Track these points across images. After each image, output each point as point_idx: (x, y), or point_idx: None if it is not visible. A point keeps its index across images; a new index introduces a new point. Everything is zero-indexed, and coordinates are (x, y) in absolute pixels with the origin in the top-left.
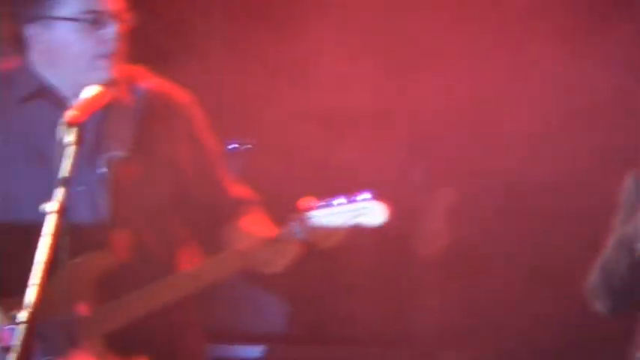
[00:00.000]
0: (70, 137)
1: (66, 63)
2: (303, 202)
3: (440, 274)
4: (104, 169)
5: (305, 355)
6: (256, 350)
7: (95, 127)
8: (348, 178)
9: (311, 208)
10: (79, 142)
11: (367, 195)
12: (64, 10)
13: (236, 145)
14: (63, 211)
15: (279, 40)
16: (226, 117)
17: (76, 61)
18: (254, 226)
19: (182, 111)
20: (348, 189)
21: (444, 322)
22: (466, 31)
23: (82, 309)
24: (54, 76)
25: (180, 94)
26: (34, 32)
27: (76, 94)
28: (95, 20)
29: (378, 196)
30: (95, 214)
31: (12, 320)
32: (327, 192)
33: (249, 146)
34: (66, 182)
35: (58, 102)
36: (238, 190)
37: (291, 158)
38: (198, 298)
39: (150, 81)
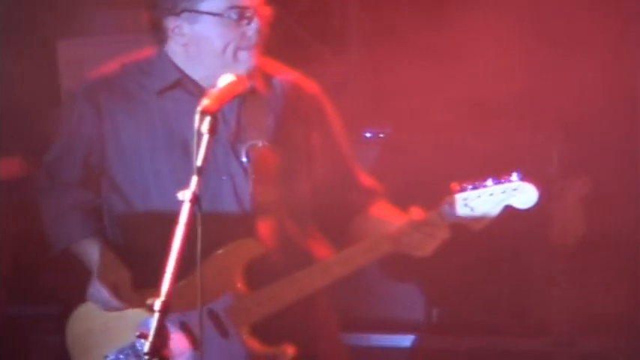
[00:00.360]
0: (204, 126)
1: (207, 56)
2: (454, 184)
3: (576, 262)
4: (246, 158)
5: (451, 344)
6: (405, 339)
7: (235, 117)
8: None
9: (462, 190)
10: (214, 131)
11: (516, 176)
12: (209, 5)
13: (372, 134)
14: (197, 200)
15: (422, 27)
16: (365, 105)
17: (218, 55)
18: (386, 214)
19: (314, 101)
20: (486, 176)
21: (583, 311)
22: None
23: (230, 297)
24: (193, 68)
25: (310, 85)
26: (175, 24)
27: (215, 86)
28: (239, 16)
29: (526, 177)
30: (239, 203)
31: (147, 308)
32: (467, 178)
33: (383, 135)
34: (200, 171)
35: (196, 93)
36: (366, 179)
37: (434, 145)
38: (347, 287)
39: (282, 72)
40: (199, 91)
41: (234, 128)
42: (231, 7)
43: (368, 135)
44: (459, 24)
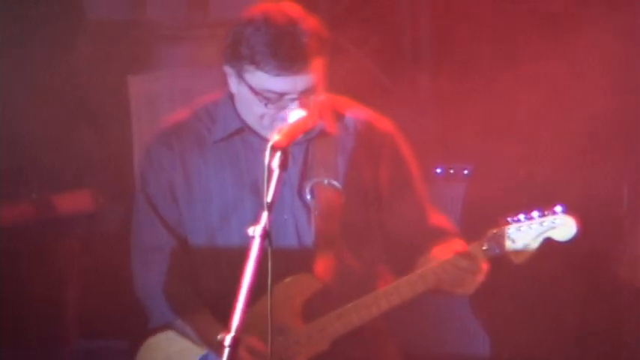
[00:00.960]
0: (274, 161)
1: (250, 114)
2: (501, 218)
3: None
4: (310, 196)
5: None
6: None
7: (303, 156)
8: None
9: (504, 224)
10: (284, 166)
11: (559, 208)
12: (249, 77)
13: (442, 170)
14: (267, 236)
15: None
16: (435, 140)
17: (258, 120)
18: (446, 254)
19: (387, 140)
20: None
21: None
22: None
23: (285, 331)
24: (249, 116)
25: (384, 123)
26: (229, 72)
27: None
28: (275, 100)
29: (569, 210)
30: (300, 241)
31: (218, 344)
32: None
33: (452, 171)
34: (270, 207)
35: (257, 138)
36: (438, 219)
37: (504, 178)
38: (413, 322)
39: (355, 110)
40: (259, 137)
41: (301, 168)
42: (268, 91)
43: (438, 171)
44: (531, 56)
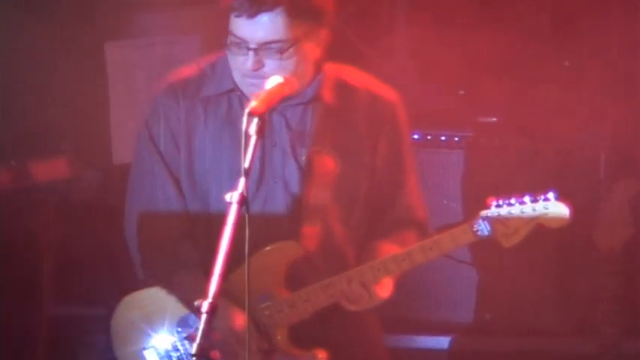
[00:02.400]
0: (252, 128)
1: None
2: (490, 199)
3: (623, 264)
4: (304, 163)
5: (496, 346)
6: (443, 341)
7: (299, 123)
8: (535, 169)
9: (497, 206)
10: (261, 132)
11: (551, 194)
12: (230, 26)
13: (420, 136)
14: (245, 202)
15: (469, 31)
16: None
17: (235, 73)
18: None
19: (388, 110)
20: (533, 179)
21: (629, 313)
22: None
23: (265, 298)
24: (235, 75)
25: (388, 93)
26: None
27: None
28: (234, 47)
29: (561, 195)
30: (290, 207)
31: (195, 309)
32: (516, 180)
33: (430, 137)
34: (247, 172)
35: (243, 100)
36: (416, 206)
37: (480, 146)
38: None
39: (358, 78)
40: (245, 98)
41: (297, 133)
42: (232, 34)
43: (415, 137)
44: (507, 27)
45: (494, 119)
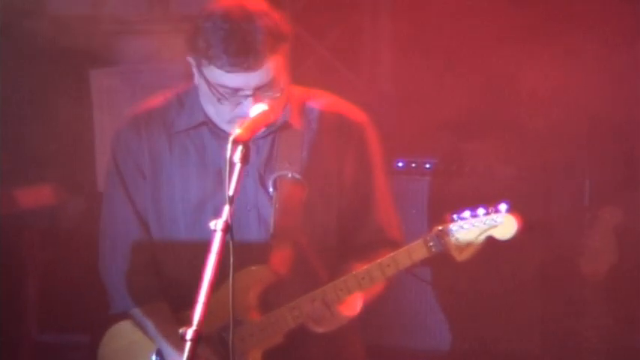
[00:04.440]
0: (236, 155)
1: (211, 106)
2: (448, 215)
3: (609, 293)
4: (273, 189)
5: None
6: None
7: (268, 149)
8: (516, 193)
9: (449, 221)
10: (246, 160)
11: (503, 206)
12: (206, 71)
13: (404, 164)
14: (229, 229)
15: (452, 57)
16: (396, 134)
17: (221, 112)
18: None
19: (354, 130)
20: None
21: (613, 341)
22: None
23: (240, 322)
24: (210, 110)
25: (355, 114)
26: (191, 64)
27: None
28: (229, 95)
29: (513, 208)
30: (263, 233)
31: (179, 337)
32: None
33: (415, 165)
34: (232, 200)
35: (218, 133)
36: (388, 226)
37: (465, 172)
38: (374, 317)
39: (323, 101)
40: (220, 132)
41: (265, 160)
42: (221, 86)
43: (400, 164)
44: (491, 57)
45: (479, 145)
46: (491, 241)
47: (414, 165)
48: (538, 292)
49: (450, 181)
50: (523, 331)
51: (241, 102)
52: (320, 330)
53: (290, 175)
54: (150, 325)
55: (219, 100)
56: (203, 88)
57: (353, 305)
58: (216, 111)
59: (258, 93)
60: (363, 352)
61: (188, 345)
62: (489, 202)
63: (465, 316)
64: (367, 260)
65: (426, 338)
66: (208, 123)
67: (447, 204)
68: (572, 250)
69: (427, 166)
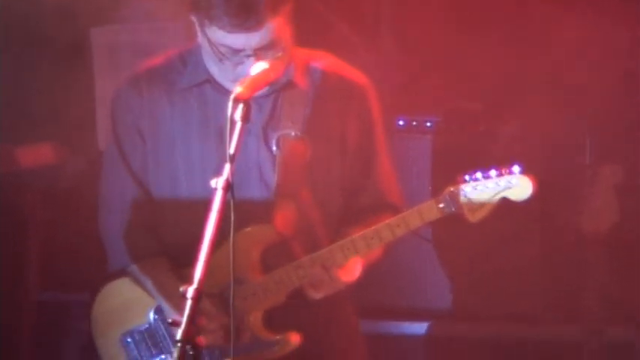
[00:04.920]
0: (237, 113)
1: (217, 63)
2: (459, 176)
3: (609, 251)
4: (276, 148)
5: (469, 332)
6: (421, 327)
7: (270, 108)
8: (517, 150)
9: (461, 182)
10: (247, 118)
11: (517, 168)
12: (207, 31)
13: (405, 122)
14: (229, 187)
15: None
16: (396, 93)
17: (224, 70)
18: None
19: (356, 93)
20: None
21: (614, 300)
22: None
23: (242, 281)
24: (213, 68)
25: (356, 76)
26: (194, 21)
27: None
28: (231, 55)
29: (527, 169)
30: (264, 192)
31: (180, 295)
32: (501, 164)
33: (415, 123)
34: (233, 159)
35: (221, 90)
36: (389, 190)
37: (466, 131)
38: (371, 275)
39: (326, 62)
40: (223, 90)
41: (268, 118)
42: (223, 46)
43: (401, 123)
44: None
45: (479, 105)
46: None
47: (414, 123)
48: (538, 252)
49: (452, 140)
50: (523, 290)
51: (243, 61)
52: (317, 296)
53: (293, 134)
54: (148, 281)
55: (220, 60)
56: (206, 47)
57: (352, 270)
58: (218, 70)
59: (259, 53)
60: (355, 310)
61: (189, 303)
62: (491, 160)
63: (466, 275)
64: (366, 224)
65: (426, 298)
66: (211, 81)
67: (449, 163)
68: (573, 208)
69: (428, 124)
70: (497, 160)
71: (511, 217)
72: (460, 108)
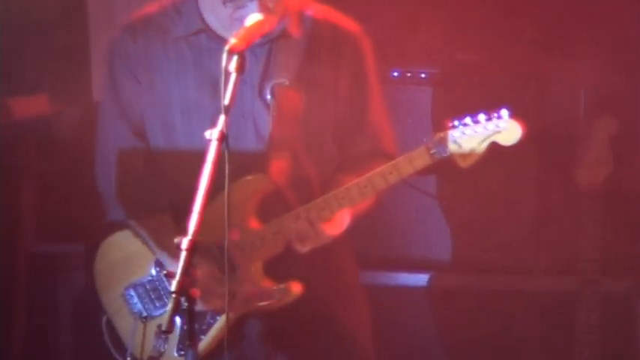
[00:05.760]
0: (231, 65)
1: (212, 11)
2: (448, 121)
3: (603, 202)
4: (269, 97)
5: (473, 283)
6: (422, 278)
7: (265, 58)
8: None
9: (450, 127)
10: (241, 69)
11: (505, 112)
12: None
13: (399, 73)
14: (224, 139)
15: None
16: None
17: (219, 17)
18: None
19: (350, 41)
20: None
21: (608, 251)
22: None
23: (236, 232)
24: (209, 16)
25: (348, 24)
26: None
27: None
28: None
29: (515, 113)
30: (259, 142)
31: (174, 246)
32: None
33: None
34: (227, 110)
35: (216, 40)
36: (382, 138)
37: (460, 80)
38: (368, 225)
39: (319, 10)
40: (219, 38)
41: (263, 69)
42: None
43: (395, 74)
44: None
45: (475, 56)
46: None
47: (409, 74)
48: (533, 202)
49: (446, 91)
50: (519, 242)
51: (246, 5)
52: (303, 249)
53: (287, 83)
54: (147, 237)
55: (224, 3)
56: None
57: (338, 223)
58: (216, 16)
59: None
60: (354, 260)
61: (183, 254)
62: (486, 109)
63: (464, 226)
64: (359, 172)
65: (423, 249)
66: (206, 30)
67: (443, 113)
68: (569, 160)
69: (422, 75)
70: (491, 109)
71: (508, 168)
72: (455, 59)
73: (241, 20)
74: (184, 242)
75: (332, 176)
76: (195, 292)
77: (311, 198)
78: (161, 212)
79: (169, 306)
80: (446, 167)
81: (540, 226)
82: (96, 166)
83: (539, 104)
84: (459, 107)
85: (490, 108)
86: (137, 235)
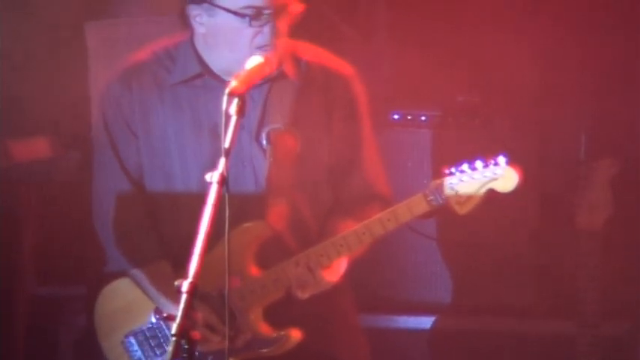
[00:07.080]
0: (232, 108)
1: (223, 49)
2: (446, 167)
3: (604, 244)
4: (266, 141)
5: (474, 325)
6: (428, 321)
7: (262, 102)
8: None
9: (448, 174)
10: (242, 112)
11: (502, 159)
12: (226, 1)
13: (400, 116)
14: (225, 181)
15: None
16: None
17: (234, 50)
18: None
19: (343, 84)
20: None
21: (609, 294)
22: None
23: (236, 280)
24: (212, 60)
25: (342, 67)
26: (196, 13)
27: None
28: (255, 15)
29: (514, 156)
30: (257, 187)
31: (175, 289)
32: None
33: (410, 117)
34: (228, 152)
35: (217, 83)
36: (375, 181)
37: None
38: (369, 268)
39: (313, 53)
40: (219, 81)
41: (260, 112)
42: (247, 7)
43: (396, 116)
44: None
45: (476, 99)
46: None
47: (409, 117)
48: (533, 245)
49: (447, 134)
50: (518, 286)
51: (267, 22)
52: (303, 296)
53: (283, 128)
54: (147, 284)
55: (250, 22)
56: (219, 25)
57: (337, 269)
58: (217, 57)
59: (278, 13)
60: (354, 304)
61: (184, 297)
62: (486, 155)
63: (464, 269)
64: (354, 216)
65: (425, 291)
66: (204, 74)
67: (443, 157)
68: (568, 202)
69: (423, 118)
70: (492, 155)
71: (509, 209)
72: (455, 102)
73: (262, 45)
74: (185, 285)
75: (327, 218)
76: (196, 334)
77: (308, 239)
78: (160, 260)
79: (169, 349)
80: (446, 211)
81: (541, 268)
82: (93, 215)
83: (541, 146)
84: (460, 150)
85: (490, 151)
86: (137, 282)
